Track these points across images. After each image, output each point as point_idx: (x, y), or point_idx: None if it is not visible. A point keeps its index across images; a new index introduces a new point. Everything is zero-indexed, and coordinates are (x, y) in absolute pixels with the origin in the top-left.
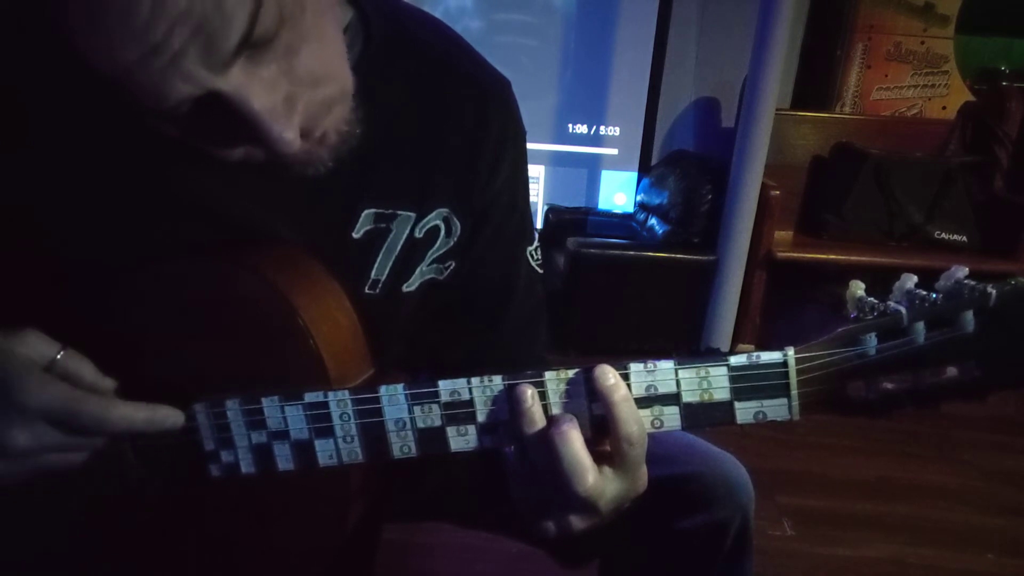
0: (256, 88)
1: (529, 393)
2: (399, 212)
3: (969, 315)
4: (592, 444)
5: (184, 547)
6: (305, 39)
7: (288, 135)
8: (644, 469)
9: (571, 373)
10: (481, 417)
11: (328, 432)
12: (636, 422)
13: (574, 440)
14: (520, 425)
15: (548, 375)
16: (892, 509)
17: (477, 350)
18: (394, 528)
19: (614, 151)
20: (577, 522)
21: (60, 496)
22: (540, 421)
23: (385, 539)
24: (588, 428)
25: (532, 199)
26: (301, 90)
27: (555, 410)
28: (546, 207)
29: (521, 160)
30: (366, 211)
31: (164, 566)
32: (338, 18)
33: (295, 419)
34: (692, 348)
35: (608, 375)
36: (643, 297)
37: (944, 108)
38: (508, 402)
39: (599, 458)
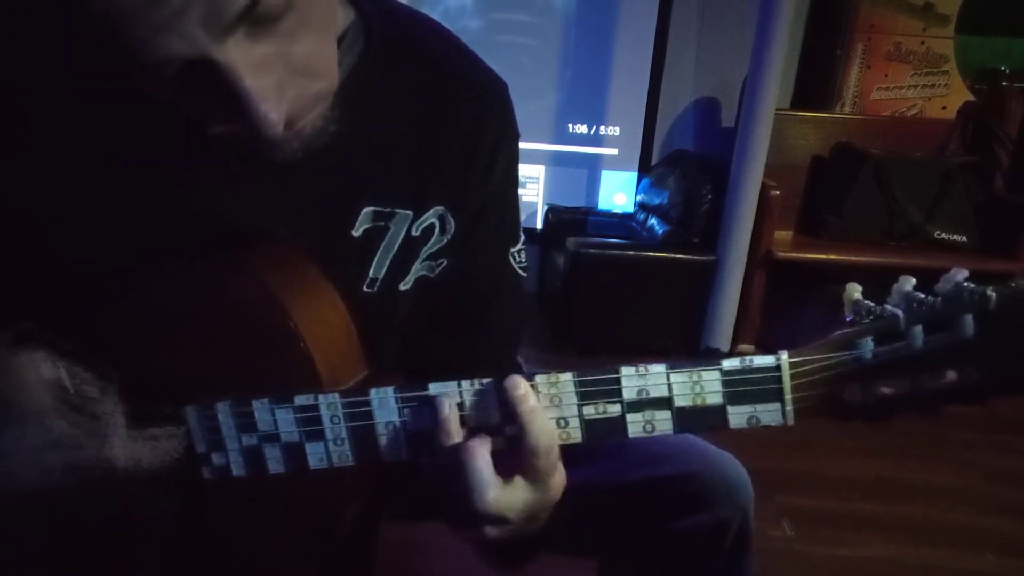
0: (250, 65)
1: (447, 404)
2: (397, 210)
3: (969, 319)
4: (506, 455)
5: (181, 548)
6: (309, 28)
7: (273, 116)
8: (556, 479)
9: (485, 382)
10: (472, 421)
11: (318, 435)
12: (545, 433)
13: (479, 456)
14: (436, 435)
15: (464, 384)
16: (892, 509)
17: (458, 349)
18: (393, 528)
19: (614, 151)
20: (491, 530)
21: (54, 499)
22: (455, 432)
23: (384, 539)
24: (502, 440)
25: (532, 199)
26: (293, 79)
27: (469, 420)
28: (546, 207)
29: (514, 162)
30: (365, 209)
31: (161, 567)
32: (338, 19)
33: (285, 422)
34: (692, 350)
35: (518, 385)
36: (643, 297)
37: (944, 108)
38: (430, 411)
39: (513, 467)
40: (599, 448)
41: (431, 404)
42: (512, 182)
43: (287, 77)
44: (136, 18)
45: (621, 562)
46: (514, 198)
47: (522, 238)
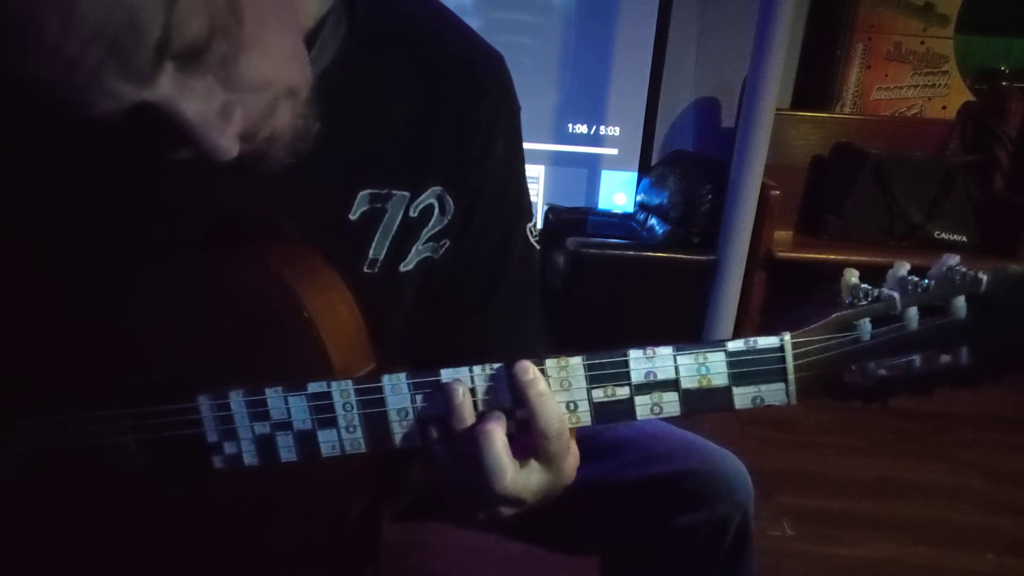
0: (188, 98)
1: (460, 391)
2: (394, 192)
3: (961, 301)
4: (520, 438)
5: (184, 542)
6: (243, 48)
7: (223, 143)
8: (570, 461)
9: (495, 367)
10: (483, 406)
11: (331, 422)
12: (555, 417)
13: (497, 440)
14: (450, 421)
15: (475, 369)
16: (892, 509)
17: (468, 327)
18: (396, 528)
19: (614, 151)
20: (506, 511)
21: (62, 491)
22: (469, 417)
23: (387, 539)
24: (513, 423)
25: (532, 199)
26: (240, 97)
27: (480, 405)
28: (546, 207)
29: (515, 137)
30: (362, 192)
31: (164, 561)
32: (295, 17)
33: (298, 409)
34: None
35: (527, 370)
36: (643, 297)
37: (944, 108)
38: (444, 396)
39: (527, 450)
40: (601, 447)
41: (444, 390)
42: (514, 158)
43: (231, 98)
44: (59, 86)
45: (622, 559)
46: (518, 174)
47: (535, 214)
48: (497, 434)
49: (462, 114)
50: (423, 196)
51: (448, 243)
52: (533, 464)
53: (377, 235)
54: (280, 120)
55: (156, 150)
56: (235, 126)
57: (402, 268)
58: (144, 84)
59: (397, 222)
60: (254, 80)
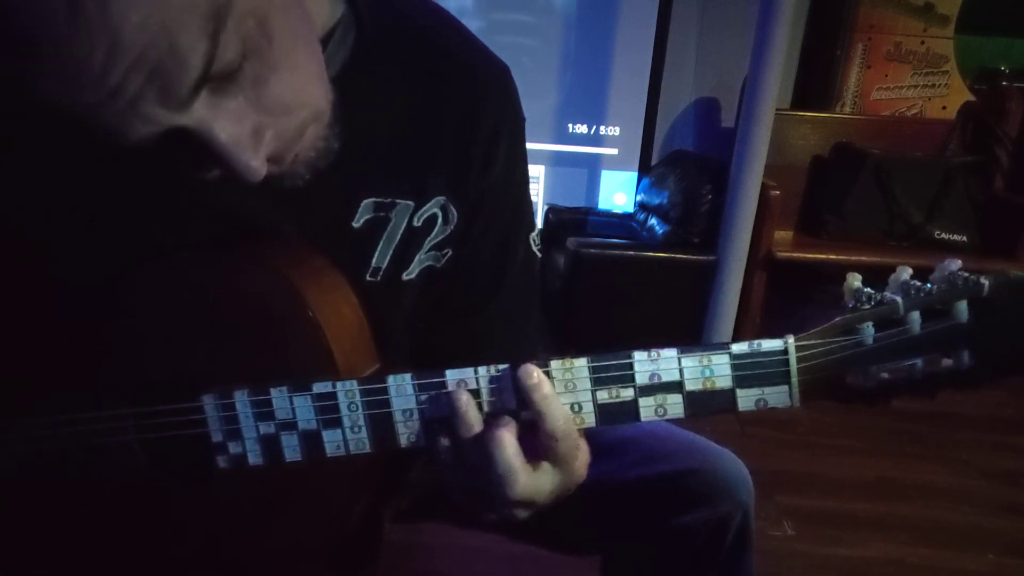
0: (222, 120)
1: (464, 399)
2: (398, 201)
3: (963, 305)
4: (529, 440)
5: (185, 541)
6: (274, 69)
7: (254, 164)
8: (580, 461)
9: (501, 368)
10: (487, 407)
11: (336, 423)
12: (561, 419)
13: (507, 445)
14: (456, 427)
15: (480, 371)
16: (892, 509)
17: (466, 330)
18: (396, 528)
19: (614, 151)
20: (520, 512)
21: (63, 491)
22: (476, 423)
23: (388, 539)
24: (519, 425)
25: (533, 199)
26: (270, 119)
27: (486, 406)
28: (546, 207)
29: (518, 148)
30: (366, 201)
31: (165, 560)
32: (314, 33)
33: (303, 409)
34: None
35: (531, 374)
36: (643, 297)
37: (944, 108)
38: (447, 403)
39: (537, 452)
40: (602, 447)
41: (448, 398)
42: (516, 169)
43: (262, 119)
44: (95, 113)
45: (623, 559)
46: (520, 184)
47: (537, 225)
48: (508, 440)
49: (463, 118)
50: (427, 206)
51: (451, 252)
52: (545, 466)
53: (380, 244)
54: (305, 143)
55: (185, 170)
56: (266, 147)
57: (404, 277)
58: (180, 109)
59: (401, 231)
60: (284, 100)
